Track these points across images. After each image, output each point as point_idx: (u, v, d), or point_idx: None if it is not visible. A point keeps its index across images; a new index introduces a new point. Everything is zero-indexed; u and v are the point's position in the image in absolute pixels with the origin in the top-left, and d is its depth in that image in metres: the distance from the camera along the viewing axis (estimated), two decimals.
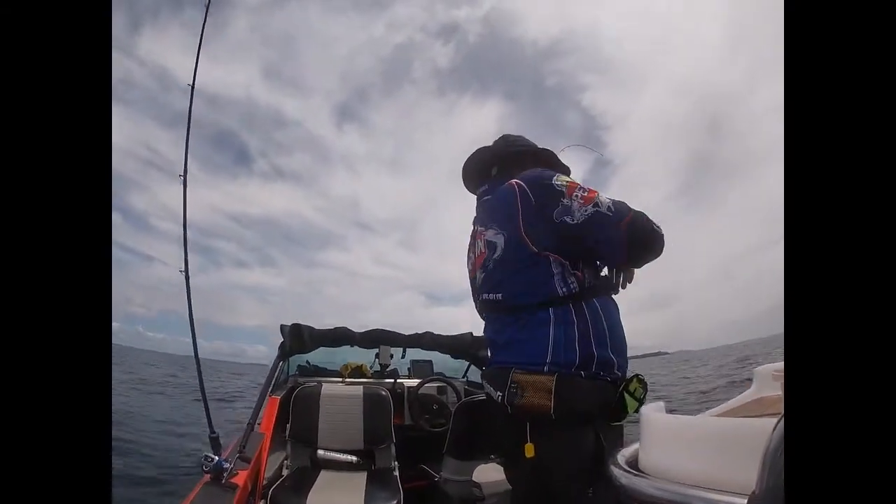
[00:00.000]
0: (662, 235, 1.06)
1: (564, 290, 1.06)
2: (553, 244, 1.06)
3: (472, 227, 1.31)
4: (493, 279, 1.16)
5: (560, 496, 1.00)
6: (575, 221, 1.02)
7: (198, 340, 1.60)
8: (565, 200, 1.04)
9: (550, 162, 1.30)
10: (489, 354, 1.22)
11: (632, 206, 1.04)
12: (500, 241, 1.13)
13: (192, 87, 1.80)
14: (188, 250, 1.77)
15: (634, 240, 1.03)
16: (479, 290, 1.23)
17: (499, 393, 1.07)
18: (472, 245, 1.30)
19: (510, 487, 1.19)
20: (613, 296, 1.15)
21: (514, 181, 1.12)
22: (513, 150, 1.28)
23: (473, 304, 1.32)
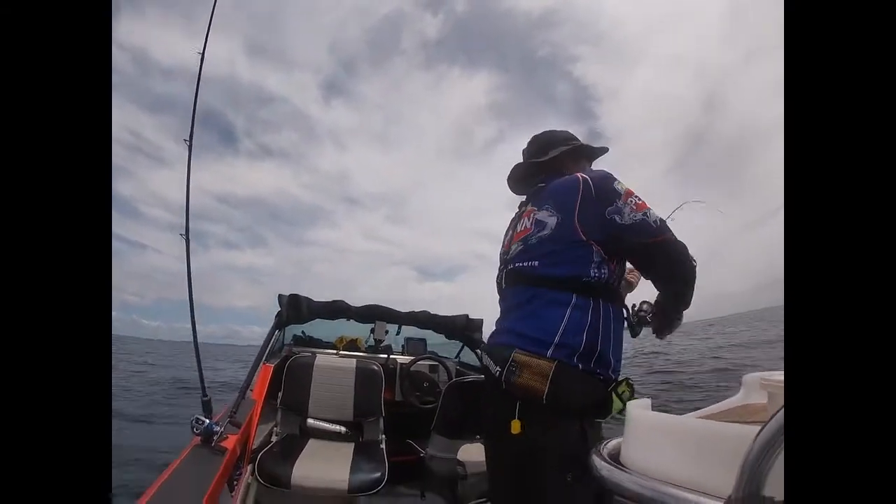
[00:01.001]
0: (694, 267, 1.13)
1: (596, 275, 1.12)
2: (599, 237, 1.13)
3: (517, 210, 1.39)
4: (533, 251, 1.21)
5: (538, 476, 1.05)
6: (622, 222, 1.11)
7: (196, 331, 1.62)
8: (619, 202, 1.12)
9: (588, 153, 1.42)
10: (497, 325, 1.28)
11: (676, 235, 1.14)
12: (551, 221, 1.19)
13: (203, 55, 1.80)
14: (189, 218, 1.78)
15: (664, 256, 1.12)
16: (512, 260, 1.27)
17: (497, 368, 1.13)
18: (516, 221, 1.35)
19: None
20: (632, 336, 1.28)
21: (580, 174, 1.19)
22: (550, 158, 1.35)
23: (496, 279, 1.38)
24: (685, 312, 1.22)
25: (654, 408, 0.71)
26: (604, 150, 1.43)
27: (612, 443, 0.72)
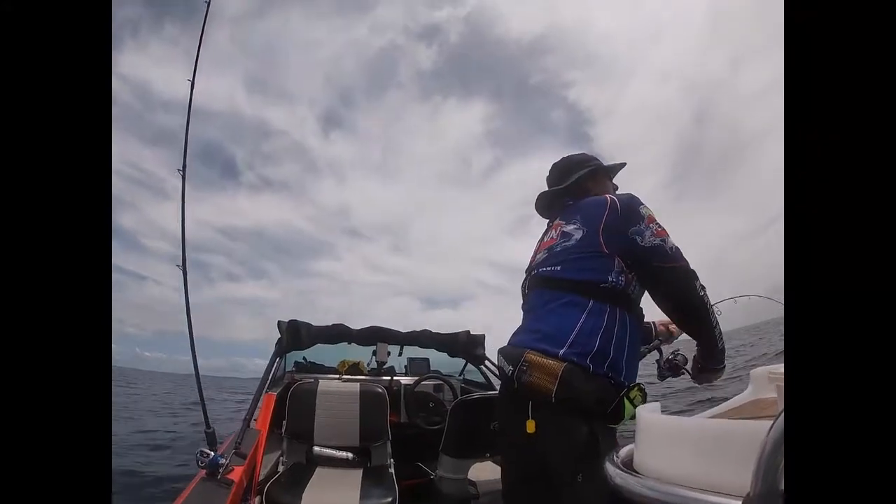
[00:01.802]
0: (701, 296, 1.17)
1: (614, 281, 1.18)
2: (619, 251, 1.20)
3: (546, 224, 1.46)
4: (556, 257, 1.28)
5: (552, 475, 1.08)
6: (642, 244, 1.17)
7: (197, 359, 1.60)
8: (642, 225, 1.19)
9: (606, 171, 1.48)
10: (517, 329, 1.33)
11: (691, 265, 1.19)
12: (577, 234, 1.26)
13: (192, 82, 1.82)
14: (185, 248, 1.78)
15: (674, 280, 1.17)
16: (537, 266, 1.34)
17: (510, 367, 1.18)
18: (545, 234, 1.43)
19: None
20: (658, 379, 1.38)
21: (608, 195, 1.28)
22: (571, 183, 1.42)
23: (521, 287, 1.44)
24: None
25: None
26: (621, 166, 1.50)
27: (625, 450, 0.71)
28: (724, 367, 1.29)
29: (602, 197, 1.28)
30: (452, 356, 3.19)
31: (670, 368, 1.42)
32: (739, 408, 0.77)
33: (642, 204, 1.24)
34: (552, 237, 1.34)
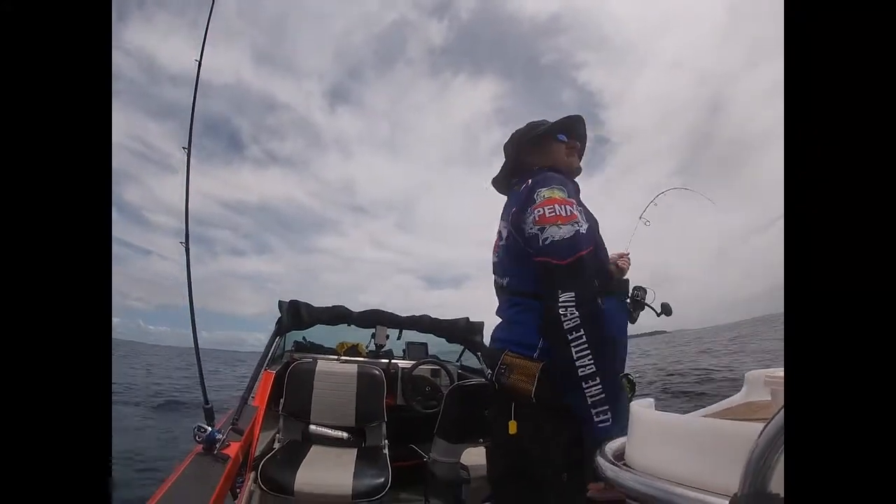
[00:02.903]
0: (558, 315, 0.96)
1: None
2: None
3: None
4: (501, 265, 1.23)
5: (535, 476, 1.05)
6: (525, 235, 1.08)
7: (199, 332, 1.62)
8: (530, 210, 1.08)
9: (554, 132, 1.28)
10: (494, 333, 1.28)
11: (580, 256, 0.99)
12: (504, 233, 1.20)
13: (199, 62, 1.81)
14: (188, 224, 1.78)
15: (545, 276, 1.03)
16: (494, 272, 1.30)
17: (489, 370, 1.16)
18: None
19: None
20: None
21: (530, 179, 1.16)
22: (516, 164, 1.29)
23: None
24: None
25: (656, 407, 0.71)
26: (576, 118, 1.28)
27: (617, 443, 0.72)
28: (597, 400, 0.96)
29: (525, 183, 1.16)
30: (451, 342, 3.22)
31: (636, 307, 1.27)
32: (732, 409, 0.77)
33: (549, 186, 1.08)
34: (497, 237, 1.26)
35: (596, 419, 0.93)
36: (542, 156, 1.25)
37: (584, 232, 1.03)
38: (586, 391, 0.94)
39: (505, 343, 1.15)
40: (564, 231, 1.02)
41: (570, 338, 0.95)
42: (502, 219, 1.23)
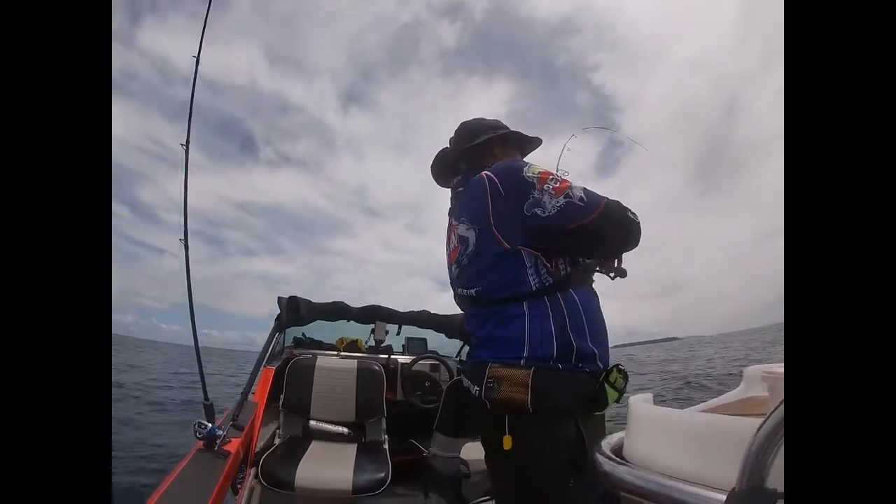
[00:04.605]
0: (638, 223, 1.03)
1: (537, 283, 1.04)
2: (525, 238, 1.04)
3: (447, 220, 1.29)
4: (467, 275, 1.14)
5: (538, 489, 0.99)
6: (546, 214, 1.00)
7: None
8: (536, 192, 1.01)
9: (519, 143, 1.29)
10: (469, 348, 1.21)
11: (605, 196, 1.01)
12: (471, 236, 1.11)
13: (197, 59, 1.80)
14: (188, 222, 1.78)
15: (607, 230, 1.01)
16: (456, 285, 1.22)
17: (476, 388, 1.06)
18: (448, 238, 1.27)
19: None
20: (611, 278, 1.13)
21: (484, 173, 1.10)
22: (476, 144, 1.24)
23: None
24: None
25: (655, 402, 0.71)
26: (537, 141, 1.29)
27: (615, 438, 0.72)
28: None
29: (478, 178, 1.10)
30: (450, 337, 3.22)
31: (614, 270, 1.18)
32: (730, 404, 0.77)
33: (526, 165, 1.06)
34: (455, 245, 1.18)
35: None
36: (507, 154, 1.25)
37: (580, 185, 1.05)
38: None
39: (488, 348, 1.07)
40: (577, 189, 1.01)
41: (636, 236, 1.04)
42: (461, 223, 1.14)
